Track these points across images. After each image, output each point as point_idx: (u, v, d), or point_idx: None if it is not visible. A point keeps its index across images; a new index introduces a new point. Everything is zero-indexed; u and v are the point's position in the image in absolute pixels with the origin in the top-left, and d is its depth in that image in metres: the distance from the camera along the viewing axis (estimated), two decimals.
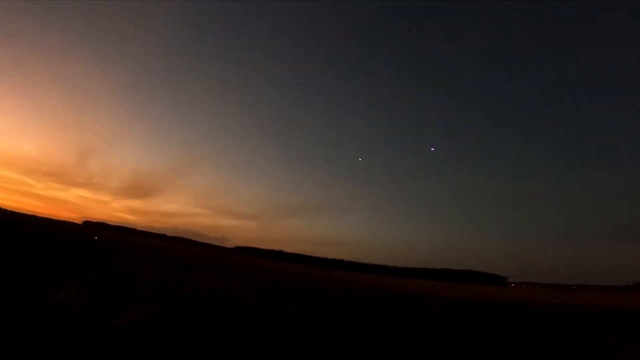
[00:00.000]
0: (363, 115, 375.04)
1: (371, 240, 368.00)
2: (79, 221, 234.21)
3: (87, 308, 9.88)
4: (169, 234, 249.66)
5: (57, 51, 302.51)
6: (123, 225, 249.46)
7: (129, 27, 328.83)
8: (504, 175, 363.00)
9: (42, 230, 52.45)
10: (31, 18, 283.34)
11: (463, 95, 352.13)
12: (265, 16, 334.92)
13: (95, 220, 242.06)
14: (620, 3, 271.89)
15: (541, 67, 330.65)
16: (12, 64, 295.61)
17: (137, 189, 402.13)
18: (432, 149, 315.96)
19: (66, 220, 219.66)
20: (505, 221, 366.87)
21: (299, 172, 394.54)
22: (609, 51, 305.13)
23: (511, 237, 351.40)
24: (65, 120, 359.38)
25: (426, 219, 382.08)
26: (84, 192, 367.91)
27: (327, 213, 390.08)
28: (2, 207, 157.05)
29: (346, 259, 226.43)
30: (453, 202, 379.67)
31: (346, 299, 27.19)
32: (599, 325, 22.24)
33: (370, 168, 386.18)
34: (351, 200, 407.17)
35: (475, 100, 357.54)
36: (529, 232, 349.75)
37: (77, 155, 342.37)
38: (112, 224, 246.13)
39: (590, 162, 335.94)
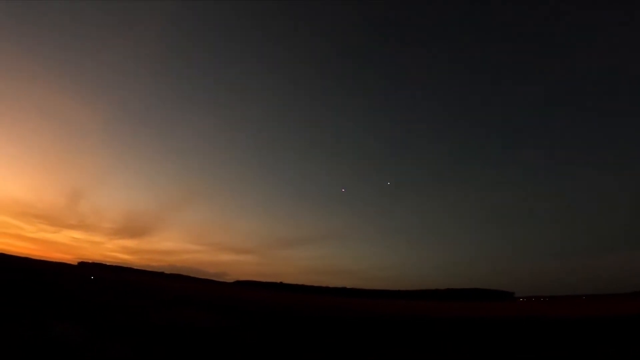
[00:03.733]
0: (356, 142, 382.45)
1: (374, 266, 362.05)
2: (74, 262, 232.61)
3: (82, 343, 11.47)
4: (167, 271, 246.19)
5: (42, 83, 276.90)
6: (119, 264, 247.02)
7: (117, 59, 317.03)
8: (503, 190, 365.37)
9: (36, 271, 52.98)
10: (15, 47, 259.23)
11: (460, 110, 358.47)
12: (257, 49, 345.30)
13: (90, 261, 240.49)
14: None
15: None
16: None
17: (131, 228, 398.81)
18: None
19: (61, 261, 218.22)
20: (507, 236, 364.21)
21: (295, 203, 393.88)
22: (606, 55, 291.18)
23: (515, 252, 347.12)
24: (54, 160, 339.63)
25: (428, 240, 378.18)
26: (77, 234, 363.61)
27: (327, 242, 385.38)
28: None
29: (348, 286, 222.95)
30: (454, 222, 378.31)
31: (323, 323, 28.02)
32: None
33: (367, 193, 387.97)
34: (351, 228, 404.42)
35: (472, 115, 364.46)
36: (531, 246, 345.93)
37: (68, 196, 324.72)
38: (108, 264, 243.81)
39: (591, 170, 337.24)
